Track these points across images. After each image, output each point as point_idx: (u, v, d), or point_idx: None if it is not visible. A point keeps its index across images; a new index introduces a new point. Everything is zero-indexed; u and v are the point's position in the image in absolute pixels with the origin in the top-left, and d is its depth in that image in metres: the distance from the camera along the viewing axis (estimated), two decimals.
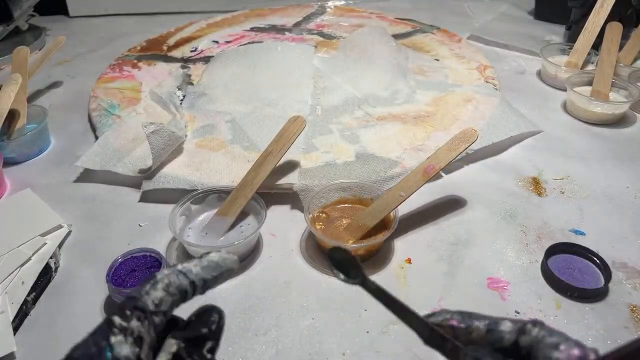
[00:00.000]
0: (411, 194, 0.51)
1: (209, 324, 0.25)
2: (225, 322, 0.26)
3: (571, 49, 0.84)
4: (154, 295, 0.23)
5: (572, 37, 0.90)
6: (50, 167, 0.67)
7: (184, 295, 0.25)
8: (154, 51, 0.94)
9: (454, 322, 0.26)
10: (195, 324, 0.25)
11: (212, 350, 0.24)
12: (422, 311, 0.45)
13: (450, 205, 0.58)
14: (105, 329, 0.22)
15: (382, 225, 0.51)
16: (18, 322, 0.45)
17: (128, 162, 0.63)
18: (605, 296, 0.47)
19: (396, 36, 0.98)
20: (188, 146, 0.66)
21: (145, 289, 0.23)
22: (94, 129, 0.73)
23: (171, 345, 0.23)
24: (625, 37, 0.80)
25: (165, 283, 0.24)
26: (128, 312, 0.22)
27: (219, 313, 0.25)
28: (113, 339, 0.21)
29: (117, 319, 0.22)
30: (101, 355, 0.21)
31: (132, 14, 1.17)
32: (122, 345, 0.21)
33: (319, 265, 0.51)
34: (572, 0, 0.90)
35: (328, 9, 1.15)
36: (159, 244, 0.53)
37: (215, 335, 0.25)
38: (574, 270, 0.49)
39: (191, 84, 0.81)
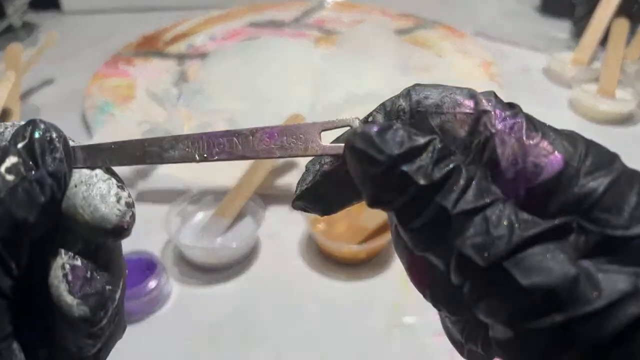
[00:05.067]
0: None
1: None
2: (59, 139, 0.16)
3: (577, 45, 0.83)
4: None
5: (578, 34, 0.89)
6: None
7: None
8: (150, 48, 0.93)
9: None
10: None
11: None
12: (424, 313, 0.44)
13: None
14: None
15: (384, 226, 0.50)
16: None
17: None
18: None
19: (398, 32, 0.96)
20: None
21: None
22: (88, 127, 0.71)
23: None
24: (632, 33, 0.78)
25: None
26: None
27: (35, 126, 0.16)
28: None
29: None
30: None
31: (127, 9, 1.15)
32: None
33: (318, 267, 0.50)
34: None
35: (328, 4, 1.13)
36: (155, 246, 0.52)
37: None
38: None
39: (188, 81, 0.80)
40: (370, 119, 0.17)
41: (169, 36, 0.98)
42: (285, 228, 0.54)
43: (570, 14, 0.95)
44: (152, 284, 0.44)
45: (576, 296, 0.13)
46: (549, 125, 0.16)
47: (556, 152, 0.15)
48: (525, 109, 0.66)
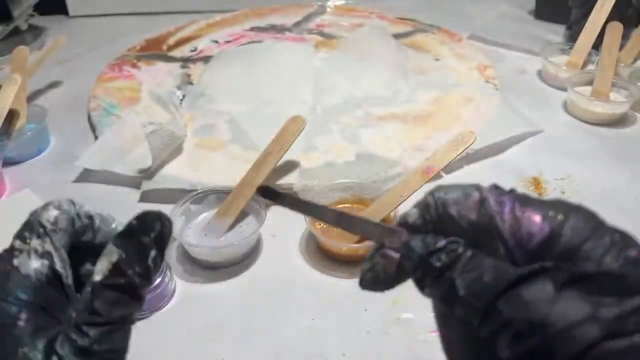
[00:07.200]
0: (411, 195, 0.51)
1: (149, 230, 0.22)
2: (171, 230, 0.23)
3: (572, 48, 0.84)
4: (47, 214, 0.23)
5: (572, 37, 0.90)
6: (49, 167, 0.67)
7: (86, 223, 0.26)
8: (154, 51, 0.94)
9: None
10: (135, 231, 0.23)
11: (156, 261, 0.22)
12: (422, 309, 0.45)
13: None
14: (6, 257, 0.22)
15: None
16: None
17: (128, 162, 0.63)
18: None
19: (396, 36, 0.98)
20: (187, 146, 0.65)
21: (37, 211, 0.23)
22: (93, 128, 0.72)
23: (111, 253, 0.21)
24: (625, 36, 0.79)
25: (56, 204, 0.24)
26: (27, 234, 0.22)
27: (161, 219, 0.23)
28: (15, 261, 0.21)
29: (16, 243, 0.22)
30: (8, 280, 0.21)
31: (132, 13, 1.16)
32: (27, 263, 0.21)
33: (319, 266, 0.51)
34: None
35: (328, 9, 1.14)
36: None
37: (159, 244, 0.22)
38: None
39: (191, 83, 0.81)
40: (410, 213, 0.22)
41: (173, 40, 0.99)
42: (286, 227, 0.55)
43: (565, 18, 0.96)
44: (157, 281, 0.45)
45: (547, 322, 0.16)
46: (538, 199, 0.20)
47: (543, 221, 0.19)
48: (522, 110, 0.69)
